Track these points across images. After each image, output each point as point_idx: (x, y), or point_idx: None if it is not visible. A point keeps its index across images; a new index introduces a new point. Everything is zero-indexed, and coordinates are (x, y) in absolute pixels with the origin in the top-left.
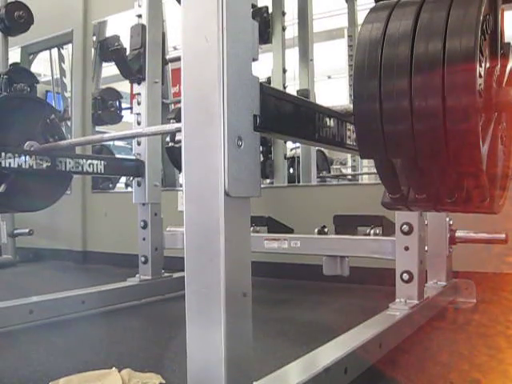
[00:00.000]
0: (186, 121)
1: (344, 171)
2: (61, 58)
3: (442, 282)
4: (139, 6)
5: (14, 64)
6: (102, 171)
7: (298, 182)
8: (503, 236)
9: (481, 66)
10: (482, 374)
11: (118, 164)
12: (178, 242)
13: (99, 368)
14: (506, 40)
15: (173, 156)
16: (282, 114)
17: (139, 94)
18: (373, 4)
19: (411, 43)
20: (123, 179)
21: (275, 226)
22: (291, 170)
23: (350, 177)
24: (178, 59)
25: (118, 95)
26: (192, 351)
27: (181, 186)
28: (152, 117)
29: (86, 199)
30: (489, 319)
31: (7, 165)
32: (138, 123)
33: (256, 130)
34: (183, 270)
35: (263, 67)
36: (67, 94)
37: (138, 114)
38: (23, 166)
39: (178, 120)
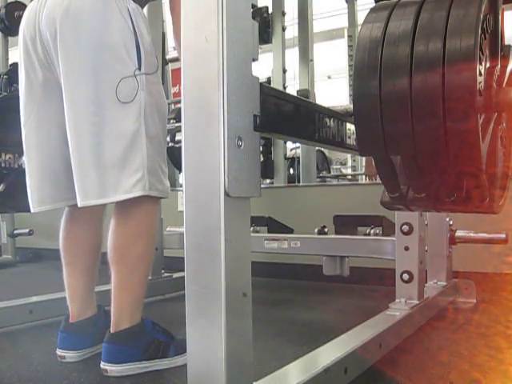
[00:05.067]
0: (186, 121)
1: (344, 171)
2: None
3: (442, 282)
4: None
5: (14, 64)
6: None
7: (298, 182)
8: (503, 236)
9: (481, 65)
10: (481, 373)
11: None
12: (177, 241)
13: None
14: (507, 40)
15: (173, 156)
16: (281, 114)
17: None
18: (373, 4)
19: (411, 43)
20: None
21: (275, 226)
22: (291, 171)
23: (349, 177)
24: (178, 59)
25: None
26: (192, 351)
27: (181, 186)
28: None
29: None
30: (489, 319)
31: (7, 165)
32: None
33: (256, 130)
34: (183, 270)
35: (263, 67)
36: None
37: None
38: (23, 166)
39: (178, 120)
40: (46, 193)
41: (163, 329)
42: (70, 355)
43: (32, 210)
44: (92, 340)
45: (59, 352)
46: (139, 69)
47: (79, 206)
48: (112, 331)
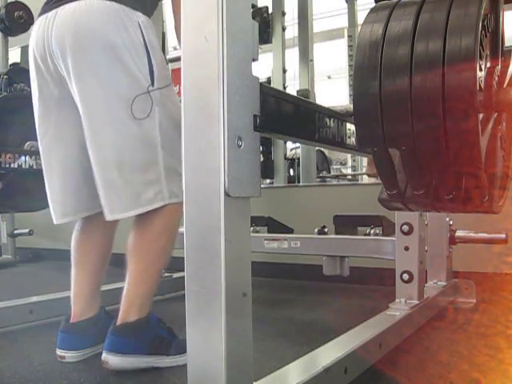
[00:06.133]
0: (186, 121)
1: (344, 171)
2: None
3: (442, 281)
4: None
5: (14, 64)
6: None
7: (298, 182)
8: (503, 236)
9: (481, 65)
10: (481, 374)
11: None
12: (178, 241)
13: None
14: (507, 40)
15: None
16: (282, 114)
17: None
18: (373, 4)
19: (411, 43)
20: None
21: (275, 226)
22: (291, 172)
23: (349, 177)
24: (178, 59)
25: None
26: (192, 351)
27: None
28: None
29: None
30: (489, 319)
31: (7, 165)
32: None
33: (256, 130)
34: (183, 270)
35: (263, 67)
36: None
37: None
38: (23, 166)
39: None
40: (69, 205)
41: (167, 326)
42: (69, 355)
43: (55, 222)
44: (92, 340)
45: (59, 352)
46: (152, 84)
47: (106, 219)
48: (118, 323)
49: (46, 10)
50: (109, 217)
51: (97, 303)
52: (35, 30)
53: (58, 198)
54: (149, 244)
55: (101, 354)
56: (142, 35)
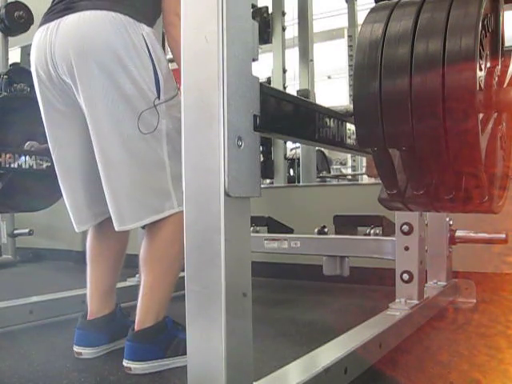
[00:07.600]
0: (186, 121)
1: (344, 171)
2: None
3: (442, 281)
4: None
5: (14, 64)
6: None
7: (298, 182)
8: (503, 236)
9: (481, 65)
10: (482, 374)
11: None
12: None
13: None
14: (507, 40)
15: None
16: (282, 114)
17: None
18: (373, 4)
19: (411, 43)
20: None
21: (275, 226)
22: (291, 172)
23: (349, 177)
24: None
25: None
26: (192, 351)
27: None
28: None
29: None
30: (489, 319)
31: (7, 165)
32: None
33: (256, 130)
34: (183, 270)
35: (263, 67)
36: None
37: None
38: (23, 166)
39: None
40: (85, 213)
41: (183, 326)
42: (86, 352)
43: (77, 230)
44: (109, 337)
45: (76, 349)
46: (158, 97)
47: (116, 230)
48: (136, 329)
49: (47, 19)
50: (119, 227)
51: (112, 301)
52: (36, 43)
53: (78, 205)
54: (161, 252)
55: (112, 351)
56: (147, 47)
